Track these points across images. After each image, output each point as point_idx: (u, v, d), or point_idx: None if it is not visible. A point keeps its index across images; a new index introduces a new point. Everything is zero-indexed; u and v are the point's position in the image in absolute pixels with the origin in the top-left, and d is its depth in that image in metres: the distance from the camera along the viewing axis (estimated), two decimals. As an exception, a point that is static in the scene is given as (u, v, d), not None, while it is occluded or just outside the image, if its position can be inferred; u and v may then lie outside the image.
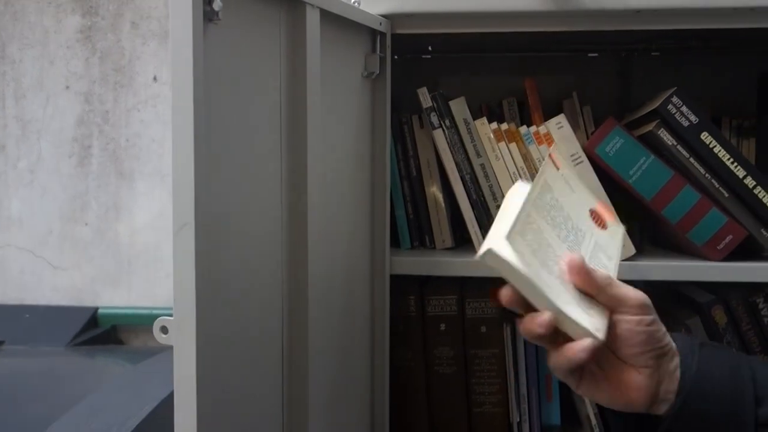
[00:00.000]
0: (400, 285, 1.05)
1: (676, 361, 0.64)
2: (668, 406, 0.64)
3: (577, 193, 0.74)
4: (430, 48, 1.22)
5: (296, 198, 0.73)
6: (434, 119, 1.01)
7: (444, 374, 1.08)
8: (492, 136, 1.01)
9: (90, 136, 1.77)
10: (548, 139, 0.99)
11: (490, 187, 1.02)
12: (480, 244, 0.96)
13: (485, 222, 1.03)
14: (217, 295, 0.60)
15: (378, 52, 0.95)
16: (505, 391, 1.07)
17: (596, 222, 0.74)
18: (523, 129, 1.01)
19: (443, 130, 1.01)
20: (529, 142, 1.00)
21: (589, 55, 1.24)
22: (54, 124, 1.78)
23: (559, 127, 0.99)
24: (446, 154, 1.02)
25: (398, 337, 1.06)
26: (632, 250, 0.98)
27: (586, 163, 0.98)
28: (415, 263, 1.02)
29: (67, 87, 1.77)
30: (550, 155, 0.74)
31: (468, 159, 1.02)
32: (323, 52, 0.76)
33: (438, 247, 1.09)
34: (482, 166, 1.02)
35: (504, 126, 1.01)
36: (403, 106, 1.10)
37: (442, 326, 1.07)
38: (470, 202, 1.02)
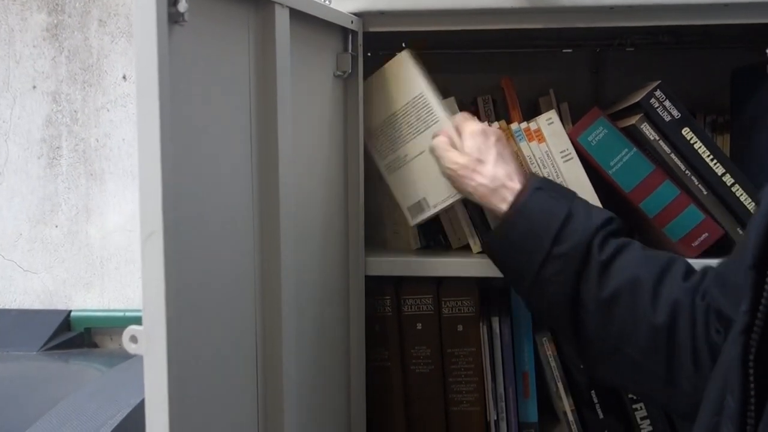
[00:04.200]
0: (376, 285, 1.05)
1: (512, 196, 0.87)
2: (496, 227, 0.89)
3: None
4: (404, 45, 1.21)
5: (268, 201, 0.72)
6: None
7: (421, 373, 1.07)
8: None
9: (59, 137, 1.74)
10: (539, 136, 0.98)
11: None
12: (475, 243, 1.04)
13: (478, 221, 1.03)
14: (188, 302, 0.58)
15: (350, 50, 0.94)
16: (483, 390, 1.07)
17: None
18: (514, 125, 1.00)
19: None
20: (519, 139, 0.99)
21: (564, 51, 1.23)
22: (22, 125, 1.74)
23: (549, 123, 0.98)
24: None
25: (374, 337, 1.06)
26: None
27: (576, 160, 0.98)
28: (391, 264, 1.02)
29: (34, 87, 1.74)
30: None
31: None
32: (293, 52, 0.75)
33: (454, 246, 1.08)
34: None
35: (495, 124, 1.00)
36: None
37: (419, 325, 1.07)
38: (462, 201, 1.01)
